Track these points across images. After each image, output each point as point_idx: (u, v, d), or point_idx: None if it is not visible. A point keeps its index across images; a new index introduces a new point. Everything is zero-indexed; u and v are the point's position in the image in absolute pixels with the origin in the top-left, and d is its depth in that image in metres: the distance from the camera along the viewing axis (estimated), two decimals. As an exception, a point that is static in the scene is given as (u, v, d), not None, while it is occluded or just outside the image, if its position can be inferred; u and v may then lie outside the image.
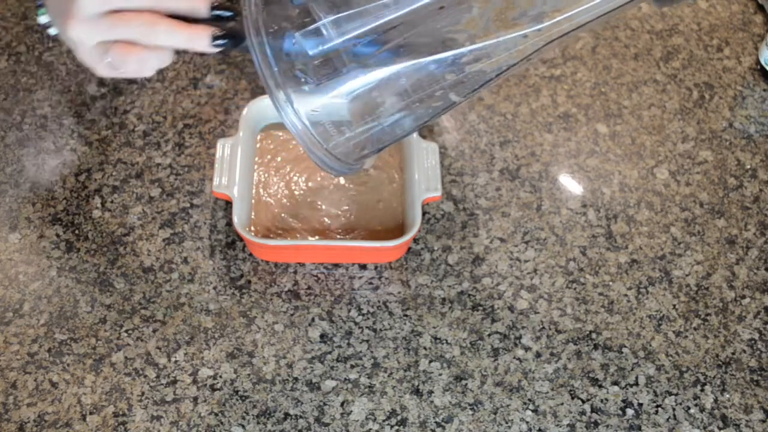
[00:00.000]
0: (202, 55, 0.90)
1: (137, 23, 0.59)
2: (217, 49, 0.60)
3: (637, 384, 0.72)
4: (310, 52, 0.59)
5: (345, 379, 0.71)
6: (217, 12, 0.60)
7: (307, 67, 0.59)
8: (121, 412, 0.69)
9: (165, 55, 0.61)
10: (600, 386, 0.71)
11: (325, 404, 0.70)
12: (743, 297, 0.77)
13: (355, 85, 0.60)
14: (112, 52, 0.60)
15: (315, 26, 0.59)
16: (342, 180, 0.80)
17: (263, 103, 0.81)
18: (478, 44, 0.59)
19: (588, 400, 0.71)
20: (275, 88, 0.59)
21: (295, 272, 0.76)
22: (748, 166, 0.85)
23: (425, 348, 0.73)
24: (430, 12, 0.59)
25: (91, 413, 0.69)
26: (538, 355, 0.73)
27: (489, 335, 0.74)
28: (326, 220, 0.78)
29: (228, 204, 0.79)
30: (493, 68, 0.61)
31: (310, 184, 0.80)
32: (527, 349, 0.73)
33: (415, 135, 0.79)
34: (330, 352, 0.72)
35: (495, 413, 0.70)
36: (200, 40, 0.60)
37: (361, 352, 0.72)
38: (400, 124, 0.63)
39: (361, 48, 0.59)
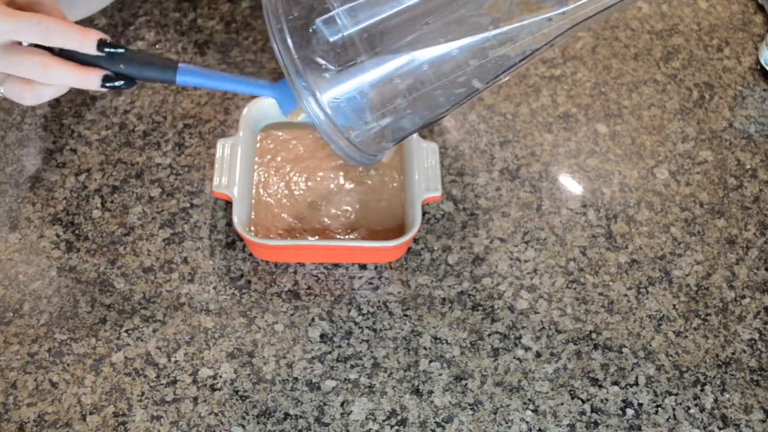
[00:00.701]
0: (202, 54, 0.90)
1: (29, 64, 0.59)
2: (108, 90, 0.61)
3: (637, 384, 0.72)
4: (330, 39, 0.59)
5: (345, 379, 0.71)
6: (107, 50, 0.60)
7: (327, 55, 0.59)
8: (121, 412, 0.69)
9: (60, 89, 0.61)
10: (600, 386, 0.71)
11: (325, 404, 0.70)
12: (743, 297, 0.77)
13: (376, 73, 0.60)
14: (6, 86, 0.61)
15: (333, 14, 0.58)
16: (342, 180, 0.80)
17: (263, 103, 0.81)
18: (502, 28, 0.59)
19: (588, 400, 0.71)
20: (296, 76, 0.59)
21: (295, 272, 0.76)
22: (748, 166, 0.85)
23: (425, 348, 0.73)
24: None
25: (91, 413, 0.69)
26: (538, 355, 0.73)
27: (489, 335, 0.74)
28: (326, 220, 0.78)
29: (228, 204, 0.79)
30: (516, 53, 0.60)
31: (310, 184, 0.80)
32: (527, 349, 0.73)
33: (415, 135, 0.79)
34: (330, 352, 0.72)
35: (495, 413, 0.70)
36: (92, 82, 0.60)
37: (361, 352, 0.72)
38: (421, 112, 0.63)
39: (382, 34, 0.59)
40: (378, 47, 0.59)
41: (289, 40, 0.58)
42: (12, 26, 0.57)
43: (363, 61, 0.59)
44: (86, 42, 0.59)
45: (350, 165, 0.65)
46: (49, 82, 0.60)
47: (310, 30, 0.58)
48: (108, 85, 0.61)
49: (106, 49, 0.60)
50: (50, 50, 0.60)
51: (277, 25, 0.59)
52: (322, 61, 0.59)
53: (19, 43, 0.59)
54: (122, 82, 0.61)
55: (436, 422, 0.69)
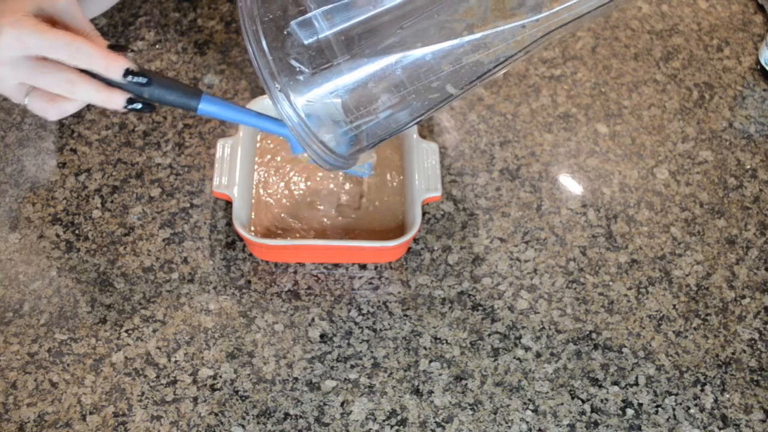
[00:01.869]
0: (202, 54, 0.90)
1: (56, 80, 0.60)
2: (129, 111, 0.62)
3: (637, 384, 0.72)
4: (305, 42, 0.59)
5: (345, 379, 0.71)
6: (132, 79, 0.61)
7: (302, 57, 0.59)
8: (121, 412, 0.69)
9: (81, 104, 0.62)
10: (600, 386, 0.71)
11: (325, 404, 0.70)
12: (743, 297, 0.77)
13: (351, 76, 0.60)
14: (31, 99, 0.61)
15: (308, 16, 0.58)
16: (342, 179, 0.80)
17: (263, 103, 0.81)
18: (476, 34, 0.59)
19: (588, 400, 0.71)
20: (270, 78, 0.59)
21: (295, 272, 0.76)
22: (748, 166, 0.85)
23: (425, 348, 0.73)
24: (427, 1, 0.58)
25: (91, 413, 0.69)
26: (538, 355, 0.73)
27: (489, 335, 0.74)
28: (326, 220, 0.78)
29: (228, 204, 0.79)
30: (490, 59, 0.60)
31: (309, 184, 0.80)
32: (527, 349, 0.73)
33: (415, 135, 0.79)
34: (330, 352, 0.72)
35: (495, 413, 0.70)
36: (115, 102, 0.61)
37: (361, 352, 0.72)
38: (395, 117, 0.63)
39: (357, 38, 0.59)
40: (353, 50, 0.59)
41: (264, 42, 0.59)
42: (44, 43, 0.58)
43: (338, 65, 0.59)
44: (112, 68, 0.60)
45: (325, 168, 0.65)
46: (73, 98, 0.61)
47: (285, 32, 0.59)
48: (130, 107, 0.62)
49: (131, 78, 0.60)
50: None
51: (252, 27, 0.59)
52: (296, 64, 0.59)
53: (46, 57, 0.60)
54: (144, 106, 0.62)
55: (436, 422, 0.69)
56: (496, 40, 0.59)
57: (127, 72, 0.60)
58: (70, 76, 0.60)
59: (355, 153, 0.65)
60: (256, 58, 0.59)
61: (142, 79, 0.61)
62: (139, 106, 0.62)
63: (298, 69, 0.59)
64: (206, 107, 0.64)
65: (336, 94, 0.60)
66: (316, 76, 0.59)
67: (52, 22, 0.61)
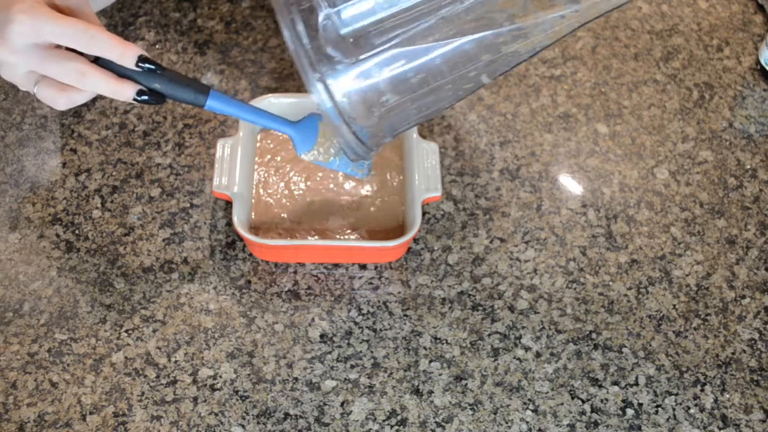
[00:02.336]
0: (202, 54, 0.90)
1: (66, 70, 0.60)
2: (139, 103, 0.63)
3: (637, 384, 0.72)
4: (342, 31, 0.59)
5: (345, 379, 0.71)
6: (145, 65, 0.61)
7: (340, 47, 0.59)
8: (121, 412, 0.69)
9: (90, 94, 0.62)
10: (600, 386, 0.71)
11: (325, 404, 0.70)
12: (743, 297, 0.77)
13: (391, 66, 0.60)
14: (41, 88, 0.61)
15: (347, 5, 0.58)
16: (341, 179, 0.80)
17: (263, 103, 0.81)
18: (518, 24, 0.59)
19: (588, 400, 0.71)
20: (309, 67, 0.59)
21: (295, 272, 0.76)
22: (748, 166, 0.85)
23: (425, 348, 0.73)
24: None
25: (91, 413, 0.69)
26: (538, 355, 0.73)
27: (489, 335, 0.74)
28: (326, 220, 0.78)
29: (228, 204, 0.79)
30: (527, 49, 0.60)
31: (309, 183, 0.80)
32: (527, 349, 0.73)
33: (415, 135, 0.79)
34: (330, 352, 0.72)
35: (495, 413, 0.70)
36: (126, 94, 0.61)
37: (361, 352, 0.72)
38: (427, 105, 0.63)
39: (396, 27, 0.59)
40: (393, 41, 0.59)
41: (302, 31, 0.58)
42: (57, 30, 0.58)
43: (377, 55, 0.59)
44: (126, 55, 0.60)
45: (350, 158, 0.65)
46: (84, 88, 0.61)
47: (323, 22, 0.58)
48: (140, 99, 0.62)
49: (144, 65, 0.60)
50: (85, 55, 0.61)
51: (289, 16, 0.59)
52: (334, 53, 0.59)
53: (58, 46, 0.60)
54: (153, 98, 0.63)
55: (436, 422, 0.69)
56: (536, 31, 0.59)
57: (141, 59, 0.60)
58: (81, 66, 0.60)
59: (379, 142, 0.65)
60: (295, 47, 0.58)
61: (154, 67, 0.61)
62: (146, 98, 0.62)
63: (336, 59, 0.59)
64: (214, 103, 0.64)
65: (375, 85, 0.60)
66: (354, 66, 0.59)
67: (61, 11, 0.61)
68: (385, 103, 0.61)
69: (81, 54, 0.61)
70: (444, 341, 0.73)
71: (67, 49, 0.60)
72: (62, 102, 0.62)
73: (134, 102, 0.62)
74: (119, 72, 0.61)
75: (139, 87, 0.62)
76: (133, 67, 0.61)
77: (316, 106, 0.60)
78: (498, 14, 0.59)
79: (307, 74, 0.59)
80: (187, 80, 0.64)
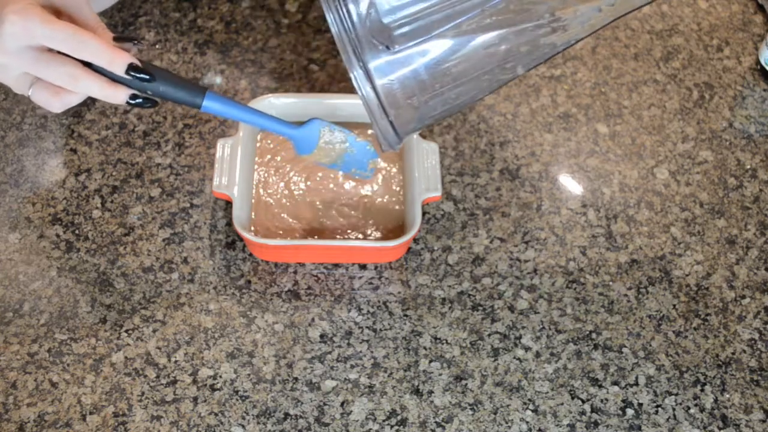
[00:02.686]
0: (202, 54, 0.90)
1: (59, 73, 0.60)
2: (132, 107, 0.63)
3: (637, 384, 0.72)
4: (385, 20, 0.59)
5: (345, 379, 0.71)
6: (135, 74, 0.61)
7: (383, 34, 0.59)
8: (121, 412, 0.69)
9: (84, 96, 0.62)
10: (600, 386, 0.71)
11: (325, 404, 0.70)
12: (743, 297, 0.77)
13: (433, 56, 0.60)
14: (35, 91, 0.62)
15: None
16: (341, 179, 0.80)
17: (263, 103, 0.81)
18: (558, 15, 0.60)
19: (588, 400, 0.71)
20: (351, 53, 0.59)
21: (295, 272, 0.76)
22: (748, 166, 0.85)
23: (425, 348, 0.73)
24: None
25: (91, 413, 0.69)
26: (538, 355, 0.73)
27: (489, 335, 0.74)
28: (326, 220, 0.78)
29: (228, 204, 0.79)
30: (563, 41, 0.61)
31: (309, 183, 0.80)
32: (527, 349, 0.73)
33: (415, 135, 0.79)
34: (330, 352, 0.72)
35: (495, 413, 0.70)
36: (118, 98, 0.62)
37: (361, 352, 0.72)
38: (462, 95, 0.63)
39: (439, 19, 0.59)
40: (435, 31, 0.59)
41: (346, 18, 0.58)
42: (47, 32, 0.58)
43: (418, 44, 0.59)
44: (116, 63, 0.60)
45: (382, 149, 0.65)
46: (76, 90, 0.61)
47: (369, 11, 0.58)
48: (133, 102, 0.62)
49: (134, 74, 0.60)
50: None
51: (334, 3, 0.59)
52: (377, 41, 0.59)
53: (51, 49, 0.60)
54: (148, 102, 0.63)
55: (436, 422, 0.69)
56: (574, 23, 0.60)
57: (131, 68, 0.60)
58: (74, 70, 0.59)
59: (409, 131, 0.65)
60: (338, 33, 0.59)
61: (145, 76, 0.61)
62: (140, 101, 0.62)
63: (379, 47, 0.59)
64: (210, 104, 0.64)
65: (416, 74, 0.60)
66: (398, 55, 0.59)
67: (58, 13, 0.60)
68: (424, 92, 0.61)
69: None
70: (444, 341, 0.73)
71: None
72: (57, 105, 0.62)
73: (128, 105, 0.62)
74: (112, 75, 0.61)
75: (132, 91, 0.62)
76: (123, 75, 0.60)
77: (357, 94, 0.60)
78: (539, 6, 0.59)
79: (350, 60, 0.59)
80: (182, 82, 0.63)
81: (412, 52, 0.59)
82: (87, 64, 0.60)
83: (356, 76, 0.59)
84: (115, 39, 0.62)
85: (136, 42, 0.63)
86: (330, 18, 0.59)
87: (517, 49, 0.61)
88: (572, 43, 0.62)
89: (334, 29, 0.58)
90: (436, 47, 0.59)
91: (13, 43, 0.58)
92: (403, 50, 0.59)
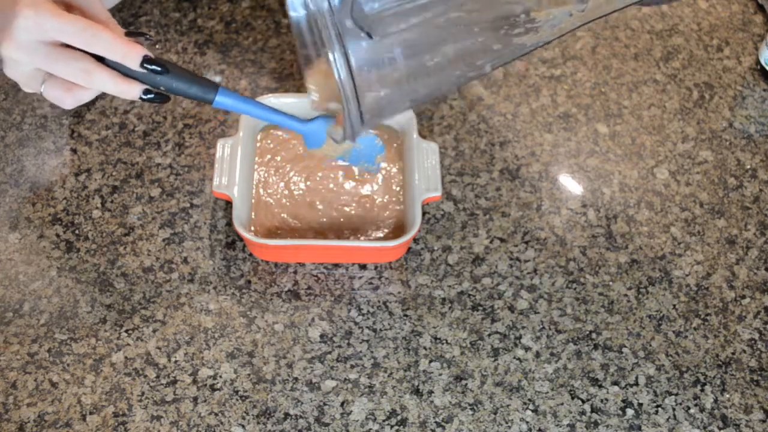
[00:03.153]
0: (202, 54, 0.90)
1: (72, 68, 0.59)
2: (144, 101, 0.63)
3: (637, 384, 0.72)
4: (366, 8, 0.59)
5: (345, 379, 0.71)
6: (149, 67, 0.61)
7: (363, 22, 0.59)
8: (121, 412, 0.69)
9: (96, 92, 0.62)
10: (600, 386, 0.71)
11: (325, 404, 0.70)
12: (743, 297, 0.77)
13: (407, 46, 0.60)
14: (48, 87, 0.61)
15: None
16: (342, 179, 0.80)
17: (263, 103, 0.81)
18: (533, 16, 0.60)
19: (588, 400, 0.71)
20: (335, 36, 0.59)
21: (295, 272, 0.76)
22: (748, 166, 0.85)
23: (425, 348, 0.73)
24: None
25: (91, 413, 0.69)
26: (538, 355, 0.73)
27: (489, 335, 0.74)
28: (326, 220, 0.78)
29: (228, 204, 0.79)
30: (532, 42, 0.62)
31: (309, 183, 0.80)
32: (527, 349, 0.73)
33: (415, 135, 0.79)
34: (330, 352, 0.72)
35: (495, 413, 0.70)
36: (132, 93, 0.62)
37: (361, 352, 0.72)
38: (429, 89, 0.63)
39: (417, 8, 0.59)
40: (413, 22, 0.59)
41: (327, 3, 0.59)
42: (57, 26, 0.57)
43: (397, 34, 0.59)
44: (130, 56, 0.60)
45: (345, 136, 0.65)
46: (89, 86, 0.60)
47: None
48: (146, 98, 0.62)
49: (149, 66, 0.60)
50: (92, 54, 0.61)
51: None
52: (358, 27, 0.59)
53: (65, 44, 0.59)
54: (160, 97, 0.63)
55: (436, 422, 0.69)
56: (546, 26, 0.60)
57: (145, 60, 0.60)
58: (87, 65, 0.59)
59: (376, 121, 0.65)
60: (323, 17, 0.59)
61: (158, 68, 0.61)
62: (152, 96, 0.62)
63: (361, 34, 0.59)
64: (223, 100, 0.64)
65: (390, 61, 0.60)
66: (374, 42, 0.59)
67: (69, 8, 0.60)
68: (398, 82, 0.61)
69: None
70: (444, 341, 0.73)
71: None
72: (69, 102, 0.62)
73: (141, 100, 0.62)
74: (125, 70, 0.61)
75: (146, 87, 0.62)
76: (138, 69, 0.60)
77: (336, 80, 0.60)
78: (516, 6, 0.60)
79: (331, 40, 0.59)
80: (195, 77, 0.63)
81: (388, 42, 0.59)
82: (99, 60, 0.60)
83: (335, 58, 0.59)
84: (127, 34, 0.62)
85: (148, 37, 0.63)
86: (311, 6, 0.59)
87: (491, 46, 0.61)
88: (539, 45, 0.62)
89: (313, 8, 0.58)
90: (413, 40, 0.60)
91: (26, 36, 0.58)
92: (380, 39, 0.59)
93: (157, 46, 0.90)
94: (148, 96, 0.62)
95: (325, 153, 0.72)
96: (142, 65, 0.60)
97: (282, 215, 0.78)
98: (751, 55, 0.93)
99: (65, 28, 0.58)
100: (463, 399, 0.70)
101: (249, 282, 0.76)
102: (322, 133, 0.71)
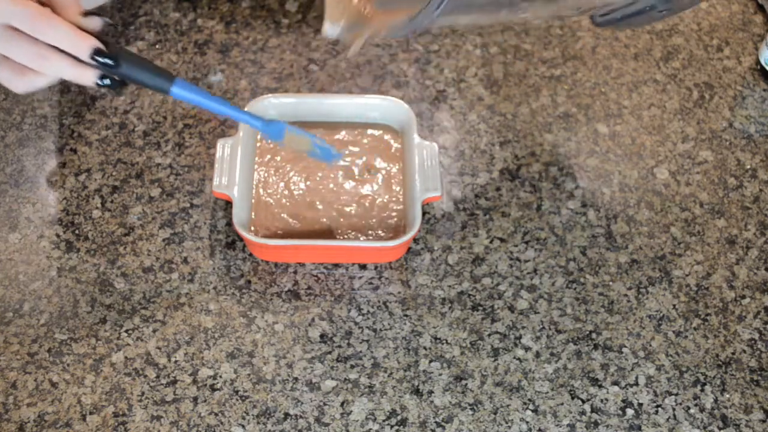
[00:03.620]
0: (202, 54, 0.90)
1: (28, 53, 0.59)
2: (101, 87, 0.62)
3: (637, 384, 0.72)
4: None
5: (345, 379, 0.71)
6: (99, 59, 0.60)
7: None
8: (121, 412, 0.69)
9: (52, 79, 0.61)
10: (600, 386, 0.71)
11: (325, 404, 0.70)
12: (743, 297, 0.77)
13: None
14: (3, 69, 0.60)
15: None
16: (341, 179, 0.80)
17: (263, 103, 0.81)
18: None
19: (588, 400, 0.71)
20: None
21: (295, 272, 0.76)
22: (748, 166, 0.85)
23: (425, 348, 0.73)
24: None
25: (91, 413, 0.69)
26: (538, 355, 0.73)
27: (489, 335, 0.74)
28: (326, 220, 0.78)
29: (228, 204, 0.79)
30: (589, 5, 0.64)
31: (309, 183, 0.80)
32: (527, 349, 0.73)
33: (415, 135, 0.79)
34: (330, 352, 0.72)
35: (495, 413, 0.70)
36: (87, 80, 0.61)
37: (361, 352, 0.72)
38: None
39: None
40: None
41: None
42: (8, 10, 0.57)
43: None
44: (80, 47, 0.59)
45: (399, 32, 0.64)
46: (44, 71, 0.60)
47: None
48: (102, 83, 0.61)
49: (99, 59, 0.60)
50: None
51: None
52: None
53: None
54: (117, 83, 0.62)
55: (436, 422, 0.69)
56: None
57: (96, 52, 0.60)
58: (41, 50, 0.58)
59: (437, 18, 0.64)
60: None
61: (108, 62, 0.60)
62: (109, 82, 0.61)
63: None
64: (179, 91, 0.64)
65: None
66: None
67: None
68: None
69: None
70: (444, 341, 0.73)
71: None
72: (20, 86, 0.61)
73: (97, 86, 0.61)
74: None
75: (101, 72, 0.61)
76: (88, 60, 0.60)
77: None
78: None
79: None
80: (150, 66, 0.63)
81: None
82: None
83: None
84: (85, 14, 0.61)
85: (106, 20, 0.62)
86: None
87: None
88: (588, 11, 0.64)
89: None
90: None
91: None
92: None
93: (157, 46, 0.90)
94: (104, 82, 0.61)
95: (289, 146, 0.72)
96: (92, 57, 0.60)
97: (282, 215, 0.78)
98: (751, 55, 0.93)
99: (17, 12, 0.57)
100: (463, 399, 0.70)
101: (249, 282, 0.76)
102: (281, 132, 0.71)
